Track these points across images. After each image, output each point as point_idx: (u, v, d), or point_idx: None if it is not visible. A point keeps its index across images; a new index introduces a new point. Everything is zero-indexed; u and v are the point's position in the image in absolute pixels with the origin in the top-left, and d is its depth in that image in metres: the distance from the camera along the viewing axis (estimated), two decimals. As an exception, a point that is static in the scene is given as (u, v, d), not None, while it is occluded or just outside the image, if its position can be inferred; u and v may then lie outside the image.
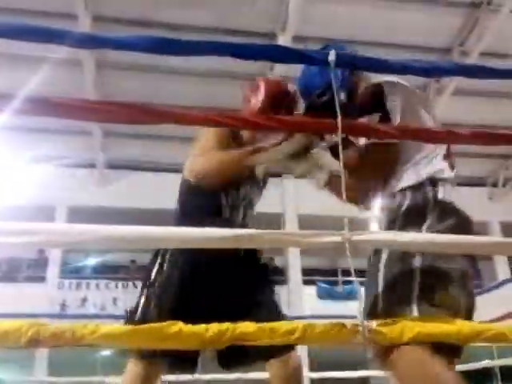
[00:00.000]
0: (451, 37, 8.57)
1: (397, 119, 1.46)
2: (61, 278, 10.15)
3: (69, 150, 10.51)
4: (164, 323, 1.04)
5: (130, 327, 1.04)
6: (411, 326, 1.19)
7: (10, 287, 9.49)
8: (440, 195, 1.44)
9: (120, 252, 11.12)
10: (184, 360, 1.75)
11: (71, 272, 10.74)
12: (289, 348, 1.74)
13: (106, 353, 9.99)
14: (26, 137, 9.81)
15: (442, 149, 1.51)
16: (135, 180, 11.04)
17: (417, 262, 1.33)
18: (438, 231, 1.33)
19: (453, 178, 1.50)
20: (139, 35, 1.31)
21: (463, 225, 1.42)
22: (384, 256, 1.39)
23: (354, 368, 5.97)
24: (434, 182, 1.46)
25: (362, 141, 1.55)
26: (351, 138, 1.58)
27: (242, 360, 1.80)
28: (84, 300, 9.66)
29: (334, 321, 1.16)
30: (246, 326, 1.10)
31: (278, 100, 1.86)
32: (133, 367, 1.70)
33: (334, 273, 11.18)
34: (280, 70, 8.69)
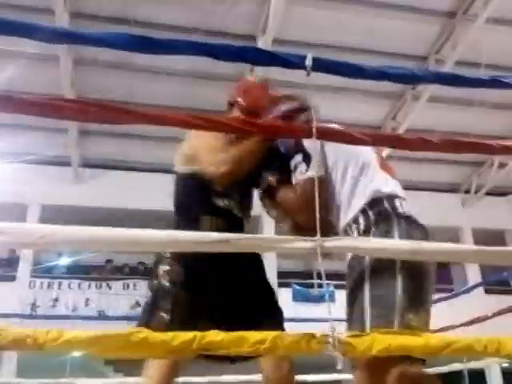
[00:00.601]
0: (428, 44, 8.69)
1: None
2: (32, 277, 9.93)
3: (43, 147, 10.30)
4: (130, 330, 1.01)
5: (94, 333, 1.01)
6: (381, 338, 1.19)
7: (-22, 286, 9.26)
8: (400, 209, 1.47)
9: (94, 252, 10.95)
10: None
11: (43, 271, 10.51)
12: None
13: (76, 355, 9.85)
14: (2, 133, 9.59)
15: (369, 167, 1.55)
16: (110, 179, 10.88)
17: (398, 278, 1.37)
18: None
19: (399, 191, 1.54)
20: (118, 32, 1.29)
21: (427, 236, 1.46)
22: (366, 263, 1.40)
23: (326, 371, 5.96)
24: (390, 197, 1.50)
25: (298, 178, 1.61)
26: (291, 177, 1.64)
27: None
28: (56, 300, 9.46)
29: (304, 331, 1.14)
30: (215, 335, 1.08)
31: (261, 105, 1.86)
32: (151, 368, 1.71)
33: (309, 275, 11.20)
34: (260, 72, 8.71)
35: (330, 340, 1.10)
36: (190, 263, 1.76)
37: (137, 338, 1.01)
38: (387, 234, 1.41)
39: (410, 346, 1.21)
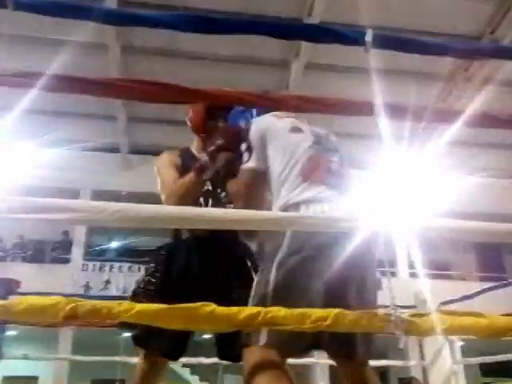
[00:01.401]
0: (482, 24, 8.33)
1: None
2: (85, 260, 10.32)
3: (94, 135, 10.62)
4: (198, 304, 1.04)
5: (164, 306, 1.04)
6: (444, 318, 1.17)
7: (36, 268, 9.70)
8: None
9: (143, 236, 11.26)
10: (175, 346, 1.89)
11: (95, 255, 10.91)
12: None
13: (128, 334, 10.21)
14: (51, 120, 9.95)
15: (295, 177, 1.55)
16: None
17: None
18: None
19: (313, 197, 1.51)
20: (177, 13, 1.30)
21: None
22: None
23: (374, 357, 5.92)
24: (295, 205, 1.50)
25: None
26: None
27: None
28: (107, 282, 9.82)
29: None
30: (278, 310, 1.09)
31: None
32: (140, 364, 1.89)
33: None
34: (305, 57, 8.62)
35: (393, 318, 1.10)
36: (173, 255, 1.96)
37: (204, 312, 1.04)
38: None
39: (473, 327, 1.20)
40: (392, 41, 1.34)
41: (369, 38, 1.28)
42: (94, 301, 1.01)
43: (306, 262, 1.38)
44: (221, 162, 1.76)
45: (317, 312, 1.09)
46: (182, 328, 1.09)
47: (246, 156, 1.66)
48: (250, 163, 1.63)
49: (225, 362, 4.61)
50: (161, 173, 2.01)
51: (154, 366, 1.89)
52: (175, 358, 1.96)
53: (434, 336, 1.45)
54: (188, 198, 1.80)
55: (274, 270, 1.41)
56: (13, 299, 0.98)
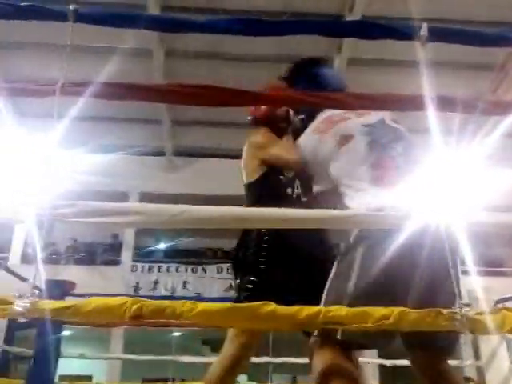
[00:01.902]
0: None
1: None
2: (134, 261, 10.58)
3: (139, 139, 10.88)
4: (258, 303, 1.05)
5: (225, 306, 1.06)
6: (511, 316, 1.14)
7: (88, 270, 10.01)
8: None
9: (190, 237, 11.46)
10: None
11: (143, 256, 11.17)
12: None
13: (177, 334, 10.40)
14: (97, 127, 10.24)
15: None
16: (202, 167, 11.26)
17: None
18: None
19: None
20: (227, 18, 1.32)
21: None
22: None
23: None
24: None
25: None
26: None
27: None
28: (156, 283, 10.03)
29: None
30: (339, 309, 1.09)
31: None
32: (231, 345, 1.79)
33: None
34: (347, 53, 8.52)
35: (459, 317, 1.07)
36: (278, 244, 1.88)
37: (265, 311, 1.05)
38: None
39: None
40: (447, 33, 1.31)
41: (424, 31, 1.26)
42: (158, 301, 1.04)
43: (389, 266, 1.33)
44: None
45: (379, 310, 1.08)
46: (244, 328, 1.10)
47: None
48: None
49: (275, 361, 4.59)
50: (272, 145, 2.03)
51: (244, 350, 1.81)
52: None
53: (493, 335, 1.40)
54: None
55: (355, 266, 1.38)
56: (81, 300, 1.01)
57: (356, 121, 1.64)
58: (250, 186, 2.12)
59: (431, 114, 1.33)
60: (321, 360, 1.29)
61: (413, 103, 1.34)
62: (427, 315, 1.09)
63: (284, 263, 1.86)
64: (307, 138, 1.72)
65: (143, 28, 1.47)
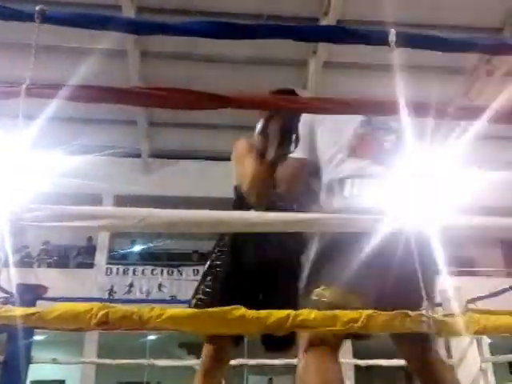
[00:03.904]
0: (502, 15, 8.18)
1: None
2: (108, 264, 10.45)
3: (114, 140, 10.75)
4: (227, 308, 1.04)
5: (194, 311, 1.05)
6: (477, 318, 1.16)
7: (62, 273, 9.85)
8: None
9: (165, 239, 11.36)
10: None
11: (118, 258, 11.04)
12: None
13: (152, 337, 10.31)
14: (71, 127, 10.09)
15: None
16: (178, 168, 11.20)
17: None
18: None
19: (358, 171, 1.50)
20: (201, 21, 1.31)
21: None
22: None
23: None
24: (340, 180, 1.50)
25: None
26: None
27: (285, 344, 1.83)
28: (131, 286, 9.92)
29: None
30: (308, 313, 1.09)
31: None
32: (206, 349, 1.83)
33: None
34: (323, 56, 8.58)
35: (425, 319, 1.08)
36: (237, 249, 1.89)
37: (234, 316, 1.04)
38: None
39: (508, 326, 1.17)
40: (416, 39, 1.33)
41: (392, 37, 1.27)
42: (125, 307, 1.02)
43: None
44: (275, 130, 1.66)
45: (348, 314, 1.09)
46: (213, 332, 1.09)
47: (293, 146, 1.63)
48: (298, 153, 1.61)
49: (251, 363, 4.59)
50: (239, 163, 1.87)
51: (219, 352, 1.84)
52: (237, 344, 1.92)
53: (459, 336, 1.45)
54: (262, 187, 1.70)
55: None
56: (47, 307, 0.99)
57: None
58: (234, 189, 2.09)
59: (404, 118, 1.35)
60: (304, 359, 1.27)
61: (386, 107, 1.36)
62: (395, 318, 1.10)
63: (235, 267, 1.87)
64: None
65: (113, 30, 1.45)
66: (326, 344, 1.27)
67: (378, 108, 1.44)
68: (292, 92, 1.81)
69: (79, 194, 9.66)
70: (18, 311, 0.99)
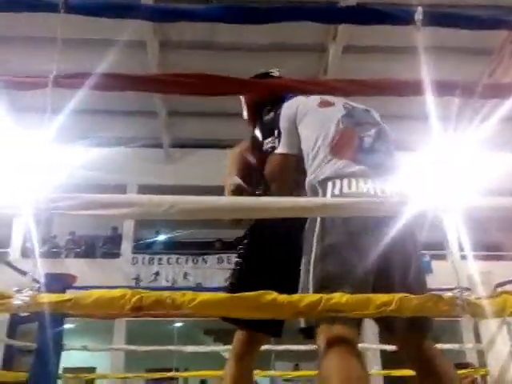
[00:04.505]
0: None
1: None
2: (134, 253, 10.60)
3: (136, 131, 10.85)
4: (259, 292, 1.05)
5: (225, 296, 1.06)
6: (511, 300, 1.14)
7: (89, 263, 10.03)
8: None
9: (189, 228, 11.47)
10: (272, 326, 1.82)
11: (143, 248, 11.18)
12: None
13: (179, 324, 10.46)
14: (93, 120, 10.20)
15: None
16: (199, 157, 11.24)
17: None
18: None
19: (341, 173, 1.50)
20: (217, 5, 1.31)
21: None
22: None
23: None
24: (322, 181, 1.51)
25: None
26: None
27: None
28: (156, 274, 10.05)
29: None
30: (340, 297, 1.09)
31: None
32: (238, 335, 1.82)
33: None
34: (342, 40, 8.46)
35: (460, 302, 1.07)
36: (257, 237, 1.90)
37: (265, 300, 1.05)
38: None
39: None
40: (443, 17, 1.29)
41: (419, 16, 1.25)
42: (158, 292, 1.04)
43: (349, 239, 1.37)
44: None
45: (380, 297, 1.08)
46: (245, 317, 1.10)
47: (276, 142, 1.69)
48: (281, 148, 1.65)
49: (277, 349, 4.64)
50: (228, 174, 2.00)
51: (249, 345, 1.83)
52: (275, 334, 1.88)
53: (494, 318, 1.43)
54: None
55: (314, 243, 1.41)
56: (81, 293, 1.01)
57: (339, 99, 1.69)
58: None
59: (429, 99, 1.32)
60: (322, 339, 1.26)
61: (411, 88, 1.33)
62: (428, 300, 1.09)
63: (262, 251, 1.87)
64: (292, 100, 1.71)
65: (136, 18, 1.46)
66: (346, 337, 1.26)
67: (402, 89, 1.42)
68: (266, 75, 1.89)
69: (103, 185, 9.78)
70: (53, 297, 1.01)
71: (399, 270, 1.42)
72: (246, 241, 1.94)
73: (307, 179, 1.56)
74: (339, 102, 1.66)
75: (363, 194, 1.44)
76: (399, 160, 1.66)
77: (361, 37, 8.19)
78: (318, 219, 1.44)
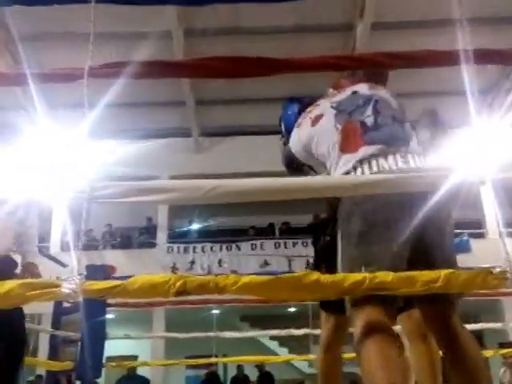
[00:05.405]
0: None
1: None
2: (169, 243, 10.74)
3: (165, 122, 10.93)
4: (302, 273, 1.04)
5: (268, 277, 1.05)
6: None
7: (126, 254, 10.22)
8: None
9: (222, 216, 11.55)
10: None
11: (178, 237, 11.31)
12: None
13: (215, 312, 10.58)
14: (121, 113, 10.31)
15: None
16: (229, 145, 11.25)
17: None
18: None
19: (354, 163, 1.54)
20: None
21: None
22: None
23: (467, 321, 5.78)
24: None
25: None
26: None
27: None
28: (192, 262, 10.17)
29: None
30: (385, 276, 1.06)
31: None
32: (325, 319, 1.97)
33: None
34: (370, 17, 8.27)
35: (510, 276, 1.03)
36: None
37: (309, 280, 1.04)
38: None
39: None
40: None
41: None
42: (201, 276, 1.04)
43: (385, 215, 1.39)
44: None
45: (426, 274, 1.05)
46: (289, 298, 1.09)
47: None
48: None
49: (315, 333, 4.67)
50: None
51: (336, 331, 1.95)
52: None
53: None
54: None
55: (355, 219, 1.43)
56: (129, 279, 1.02)
57: (325, 103, 1.74)
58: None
59: (468, 69, 1.27)
60: (358, 323, 1.26)
61: (449, 58, 1.29)
62: (477, 276, 1.06)
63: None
64: (292, 139, 1.83)
65: (165, 4, 1.44)
66: (380, 320, 1.25)
67: (440, 59, 1.37)
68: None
69: (136, 177, 9.92)
70: (101, 284, 1.03)
71: (436, 245, 1.41)
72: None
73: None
74: (326, 108, 1.71)
75: (386, 171, 1.45)
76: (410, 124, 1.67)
77: (389, 13, 7.98)
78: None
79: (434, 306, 1.42)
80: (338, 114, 1.64)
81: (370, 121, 1.57)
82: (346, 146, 1.56)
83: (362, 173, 1.47)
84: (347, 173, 1.50)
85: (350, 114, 1.62)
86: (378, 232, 1.36)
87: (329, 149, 1.60)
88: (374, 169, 1.46)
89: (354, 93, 1.71)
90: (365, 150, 1.51)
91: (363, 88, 1.71)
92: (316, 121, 1.69)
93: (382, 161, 1.48)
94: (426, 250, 1.38)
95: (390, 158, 1.48)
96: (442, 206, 1.32)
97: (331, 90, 1.85)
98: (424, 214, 1.31)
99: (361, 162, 1.50)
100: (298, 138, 1.77)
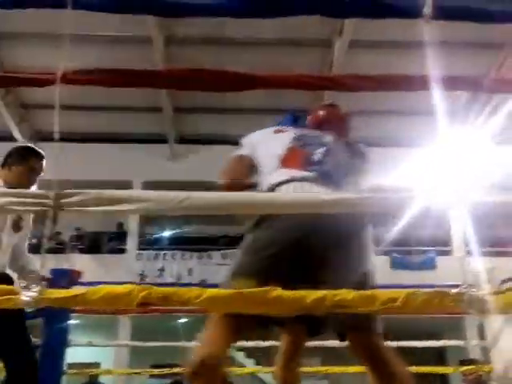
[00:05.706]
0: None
1: None
2: (139, 249, 10.62)
3: (141, 127, 10.86)
4: (265, 288, 1.05)
5: (232, 291, 1.05)
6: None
7: (94, 259, 10.06)
8: None
9: (194, 224, 11.49)
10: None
11: (149, 244, 11.20)
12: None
13: (184, 320, 10.48)
14: (96, 115, 10.20)
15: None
16: (205, 154, 11.23)
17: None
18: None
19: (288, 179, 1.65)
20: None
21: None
22: None
23: (430, 338, 5.87)
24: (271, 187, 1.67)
25: None
26: None
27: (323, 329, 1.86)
28: (161, 270, 10.07)
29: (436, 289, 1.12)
30: (346, 293, 1.08)
31: None
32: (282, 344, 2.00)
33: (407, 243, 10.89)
34: (348, 35, 8.42)
35: (466, 297, 1.06)
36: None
37: (271, 296, 1.05)
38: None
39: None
40: (453, 10, 1.28)
41: (428, 9, 1.24)
42: (165, 288, 1.04)
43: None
44: None
45: (387, 293, 1.08)
46: (251, 312, 1.10)
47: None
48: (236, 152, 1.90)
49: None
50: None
51: (293, 344, 1.98)
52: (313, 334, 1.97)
53: (501, 314, 1.44)
54: None
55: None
56: (88, 289, 1.01)
57: (294, 130, 1.89)
58: None
59: (437, 94, 1.32)
60: None
61: (419, 83, 1.32)
62: (434, 297, 1.09)
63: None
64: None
65: (143, 13, 1.45)
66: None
67: (410, 84, 1.41)
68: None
69: (108, 180, 9.80)
70: (62, 293, 1.02)
71: (331, 264, 1.51)
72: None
73: (261, 189, 1.71)
74: (291, 131, 1.85)
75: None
76: (359, 173, 1.80)
77: (367, 32, 8.14)
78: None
79: (357, 335, 1.55)
80: (295, 139, 1.79)
81: (317, 157, 1.72)
82: (288, 161, 1.70)
83: (294, 189, 1.60)
84: (281, 182, 1.63)
85: (304, 146, 1.77)
86: (255, 247, 1.56)
87: (272, 158, 1.74)
88: (306, 191, 1.59)
89: (318, 136, 1.86)
90: (301, 172, 1.65)
91: (327, 137, 1.85)
92: (278, 131, 1.86)
93: (313, 187, 1.60)
94: (313, 268, 1.48)
95: (319, 187, 1.59)
96: (341, 227, 1.46)
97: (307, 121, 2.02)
98: (312, 234, 1.45)
99: (294, 180, 1.63)
100: (255, 134, 1.90)
